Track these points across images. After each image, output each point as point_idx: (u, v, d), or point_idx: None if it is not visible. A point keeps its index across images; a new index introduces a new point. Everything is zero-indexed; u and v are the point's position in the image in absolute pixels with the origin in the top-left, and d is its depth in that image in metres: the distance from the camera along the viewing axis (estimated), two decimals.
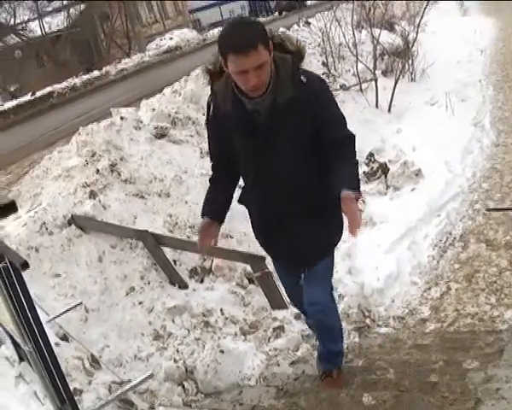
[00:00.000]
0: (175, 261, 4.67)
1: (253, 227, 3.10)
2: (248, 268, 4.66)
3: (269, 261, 4.09)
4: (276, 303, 4.34)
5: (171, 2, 45.99)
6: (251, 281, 4.71)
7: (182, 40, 28.24)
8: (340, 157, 2.70)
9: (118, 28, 31.81)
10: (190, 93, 7.47)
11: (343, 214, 2.61)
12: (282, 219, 2.83)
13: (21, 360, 2.94)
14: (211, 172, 3.05)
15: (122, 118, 5.98)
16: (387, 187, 6.72)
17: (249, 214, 3.05)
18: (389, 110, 10.11)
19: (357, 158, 2.82)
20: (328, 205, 2.77)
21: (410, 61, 11.61)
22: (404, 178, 6.71)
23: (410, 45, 11.50)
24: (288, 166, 2.73)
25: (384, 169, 6.97)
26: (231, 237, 5.16)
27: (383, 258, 4.96)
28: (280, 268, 3.29)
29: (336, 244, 3.08)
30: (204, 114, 7.45)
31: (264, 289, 4.40)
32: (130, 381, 3.28)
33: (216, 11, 53.08)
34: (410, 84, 11.55)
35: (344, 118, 2.86)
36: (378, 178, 7.01)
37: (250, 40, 2.49)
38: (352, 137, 2.82)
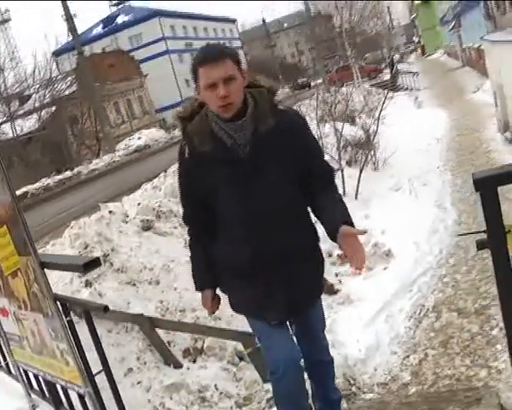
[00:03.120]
0: (169, 343, 4.93)
1: (237, 297, 2.87)
2: (238, 346, 4.94)
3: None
4: (267, 376, 4.59)
5: (137, 103, 47.44)
6: (241, 359, 4.98)
7: (150, 139, 29.17)
8: (325, 192, 2.70)
9: (87, 130, 32.58)
10: (170, 188, 7.90)
11: (344, 250, 2.50)
12: (275, 259, 2.68)
13: None
14: (186, 228, 2.96)
15: (110, 212, 6.35)
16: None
17: (231, 283, 2.83)
18: (356, 197, 10.65)
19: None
20: (315, 243, 2.77)
21: (373, 152, 12.26)
22: (376, 258, 7.13)
23: (372, 137, 12.21)
24: (276, 195, 2.66)
25: None
26: (220, 319, 5.44)
27: (363, 331, 5.28)
28: (270, 329, 2.91)
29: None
30: None
31: (255, 364, 4.66)
32: None
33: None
34: (373, 172, 12.15)
35: (322, 150, 2.91)
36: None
37: (218, 52, 2.54)
38: (332, 171, 2.84)
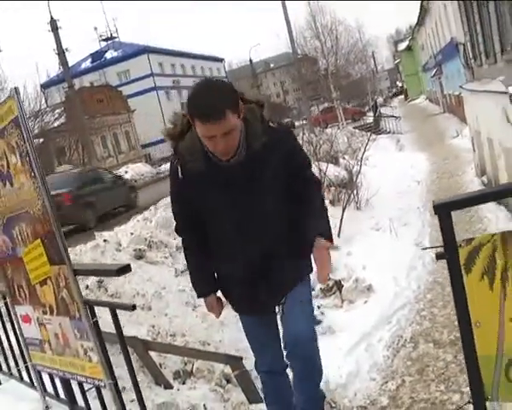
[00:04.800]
0: (160, 365, 5.17)
1: (234, 294, 3.04)
2: (225, 370, 5.20)
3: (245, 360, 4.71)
4: (253, 398, 4.86)
5: (124, 138, 47.91)
6: (228, 381, 5.24)
7: (137, 174, 29.64)
8: (311, 203, 2.80)
9: (74, 162, 32.86)
10: (162, 220, 8.21)
11: (314, 261, 2.73)
12: (265, 269, 2.82)
13: None
14: (180, 238, 3.05)
15: (105, 240, 6.63)
16: (343, 301, 7.43)
17: (226, 283, 2.99)
18: (339, 236, 10.99)
19: (325, 205, 2.98)
20: (302, 245, 2.85)
21: (355, 192, 12.66)
22: (357, 292, 7.46)
23: (355, 177, 12.63)
24: (266, 210, 2.73)
25: (339, 286, 7.72)
26: (208, 345, 5.71)
27: (344, 359, 5.57)
28: (256, 323, 3.15)
29: (311, 272, 3.07)
30: (174, 239, 8.22)
31: (242, 386, 4.93)
32: None
33: (165, 146, 55.30)
34: (356, 212, 12.49)
35: (310, 162, 3.02)
36: (334, 293, 7.73)
37: (218, 110, 2.44)
38: (319, 183, 3.00)
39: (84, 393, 2.88)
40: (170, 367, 5.22)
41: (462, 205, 2.25)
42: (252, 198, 2.70)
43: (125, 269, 2.27)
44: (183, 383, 5.18)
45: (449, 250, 1.91)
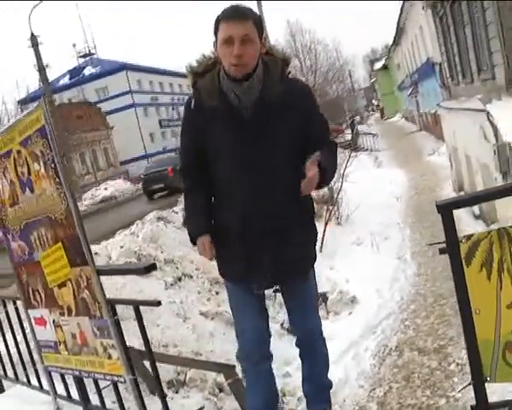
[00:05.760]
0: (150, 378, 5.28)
1: (225, 260, 2.89)
2: (218, 378, 5.32)
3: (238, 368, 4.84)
4: (246, 406, 4.98)
5: (102, 155, 47.81)
6: (220, 390, 5.36)
7: (116, 190, 29.59)
8: (324, 149, 2.67)
9: None
10: (149, 234, 8.32)
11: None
12: (268, 224, 2.72)
13: None
14: (183, 181, 2.94)
15: (96, 253, 6.72)
16: (328, 312, 7.61)
17: (223, 238, 2.81)
18: (321, 250, 11.18)
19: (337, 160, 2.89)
20: (309, 214, 2.86)
21: (336, 207, 12.88)
22: (342, 304, 7.64)
23: (336, 194, 12.85)
24: (276, 162, 2.67)
25: (324, 298, 7.90)
26: (200, 355, 5.82)
27: (332, 368, 5.71)
28: (245, 307, 3.00)
29: (315, 260, 3.03)
30: (162, 252, 8.32)
31: (235, 394, 5.04)
32: None
33: (143, 163, 55.34)
34: (337, 227, 12.67)
35: (329, 128, 2.95)
36: (319, 305, 7.94)
37: (243, 12, 2.58)
38: (336, 145, 2.93)
39: (99, 391, 3.01)
40: (163, 377, 5.30)
41: (462, 204, 2.47)
42: (262, 146, 2.66)
43: (152, 266, 2.41)
44: (177, 392, 5.29)
45: (451, 245, 2.10)
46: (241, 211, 2.72)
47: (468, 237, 2.09)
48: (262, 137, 2.64)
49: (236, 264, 2.85)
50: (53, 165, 2.34)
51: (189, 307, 6.62)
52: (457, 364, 5.11)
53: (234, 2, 2.69)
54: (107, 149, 49.66)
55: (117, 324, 2.53)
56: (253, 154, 2.64)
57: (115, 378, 2.63)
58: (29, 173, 2.56)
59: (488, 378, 2.12)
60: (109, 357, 2.57)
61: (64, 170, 2.29)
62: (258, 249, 2.76)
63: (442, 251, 2.12)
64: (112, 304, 2.61)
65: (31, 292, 2.95)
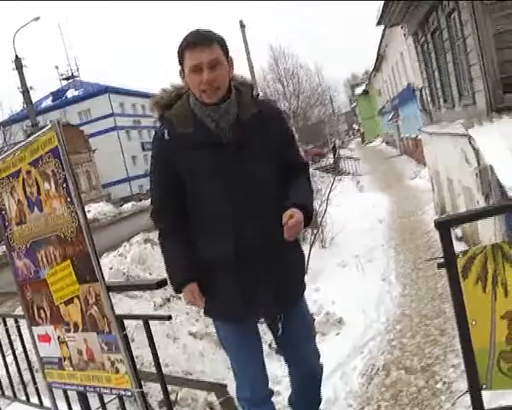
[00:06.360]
0: (146, 394, 5.32)
1: (219, 292, 2.74)
2: (209, 398, 5.38)
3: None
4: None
5: (85, 177, 47.67)
6: (212, 409, 5.41)
7: (99, 213, 29.51)
8: (297, 179, 2.74)
9: None
10: (137, 255, 8.39)
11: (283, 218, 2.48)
12: (260, 249, 2.65)
13: None
14: (157, 224, 2.83)
15: None
16: (316, 333, 7.72)
17: (209, 275, 2.71)
18: (306, 272, 11.29)
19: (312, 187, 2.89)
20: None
21: (321, 231, 13.01)
22: (329, 325, 7.75)
23: (320, 217, 12.99)
24: (259, 178, 2.65)
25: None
26: (191, 374, 5.88)
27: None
28: (242, 331, 2.89)
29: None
30: (150, 273, 8.38)
31: None
32: None
33: (125, 186, 55.28)
34: (321, 250, 12.81)
35: (297, 144, 2.95)
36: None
37: (206, 37, 2.53)
38: (308, 165, 2.96)
39: (104, 405, 3.07)
40: (155, 397, 5.36)
41: (459, 222, 2.62)
42: (242, 165, 2.62)
43: (164, 282, 2.49)
44: None
45: (449, 260, 2.23)
46: (231, 235, 2.65)
47: (465, 252, 2.22)
48: (243, 156, 2.62)
49: (233, 302, 2.74)
50: (64, 184, 2.43)
51: (178, 328, 6.67)
52: (444, 382, 5.22)
53: (200, 28, 2.63)
54: (89, 171, 49.55)
55: (125, 338, 2.61)
56: (236, 174, 2.61)
57: (122, 392, 2.69)
58: (38, 193, 2.63)
59: (484, 386, 2.25)
60: (117, 371, 2.64)
61: (75, 189, 2.38)
62: (253, 279, 2.68)
63: (440, 266, 2.25)
64: (121, 319, 2.69)
65: (35, 309, 3.01)
